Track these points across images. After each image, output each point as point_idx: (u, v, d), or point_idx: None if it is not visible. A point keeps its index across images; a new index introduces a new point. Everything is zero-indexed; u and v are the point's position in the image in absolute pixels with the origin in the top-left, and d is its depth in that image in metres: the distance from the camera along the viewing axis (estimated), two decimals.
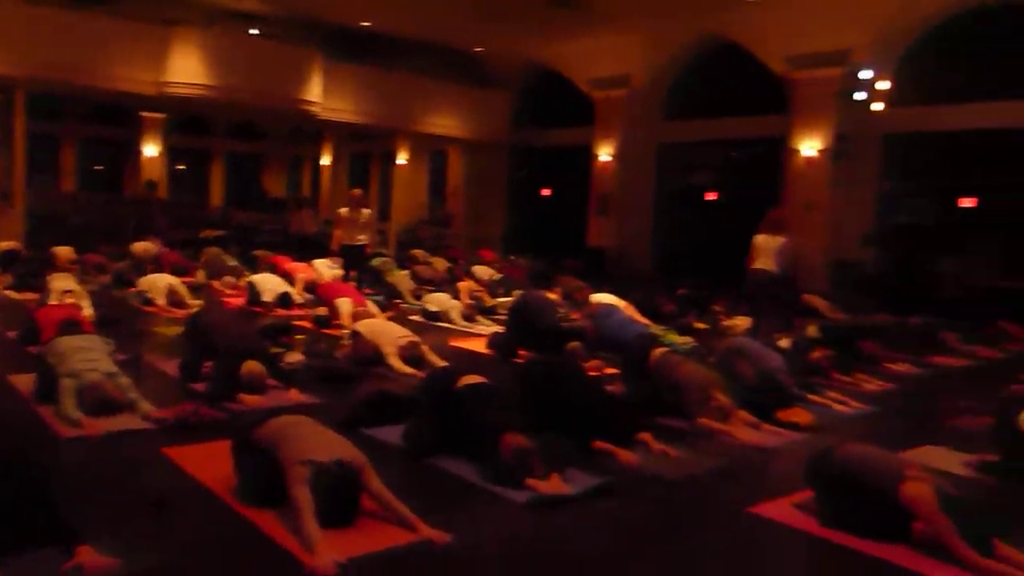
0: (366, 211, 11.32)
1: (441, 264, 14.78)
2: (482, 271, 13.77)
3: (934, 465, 4.48)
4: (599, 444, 4.67)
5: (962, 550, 3.37)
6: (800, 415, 5.69)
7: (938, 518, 3.46)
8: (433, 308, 10.12)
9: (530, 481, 4.02)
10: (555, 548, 3.54)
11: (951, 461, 4.92)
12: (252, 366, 5.58)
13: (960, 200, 13.98)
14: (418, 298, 11.25)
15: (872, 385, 7.28)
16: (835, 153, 14.28)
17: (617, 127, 18.01)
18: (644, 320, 9.27)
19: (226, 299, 10.50)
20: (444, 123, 19.97)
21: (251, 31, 18.72)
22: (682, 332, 9.12)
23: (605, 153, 18.20)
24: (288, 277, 11.03)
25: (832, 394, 6.54)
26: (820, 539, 3.75)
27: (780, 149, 14.99)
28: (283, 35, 18.59)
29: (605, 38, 17.22)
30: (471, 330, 9.51)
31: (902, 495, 3.57)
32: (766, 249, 9.65)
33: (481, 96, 20.45)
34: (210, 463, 4.13)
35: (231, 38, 16.92)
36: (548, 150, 20.40)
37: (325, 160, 24.83)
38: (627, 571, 3.37)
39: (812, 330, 8.59)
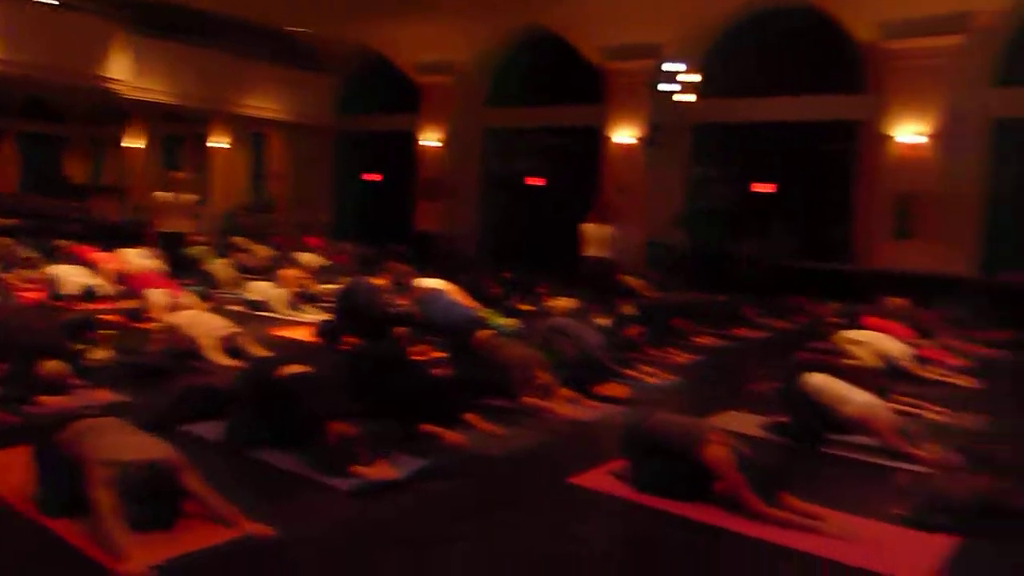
0: (188, 196, 10.74)
1: (264, 251, 14.29)
2: (308, 258, 13.45)
3: (734, 428, 4.89)
4: (426, 427, 4.74)
5: (754, 503, 3.72)
6: (616, 389, 6.03)
7: (734, 476, 3.80)
8: (255, 297, 9.80)
9: (356, 468, 4.02)
10: (382, 533, 3.57)
11: (748, 424, 5.39)
12: (52, 365, 5.21)
13: (759, 186, 15.20)
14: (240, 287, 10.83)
15: (681, 358, 7.81)
16: (648, 141, 15.06)
17: (443, 113, 18.07)
18: (471, 303, 9.42)
19: (21, 294, 9.65)
20: (265, 105, 19.22)
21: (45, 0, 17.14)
22: (507, 314, 9.36)
23: (431, 139, 18.23)
24: (93, 268, 10.28)
25: (645, 367, 6.96)
26: (634, 503, 4.01)
27: (598, 137, 15.63)
28: (85, 6, 17.13)
29: (431, 24, 17.20)
30: (296, 319, 9.29)
31: (704, 457, 3.89)
32: (596, 237, 10.15)
33: (305, 79, 19.83)
34: (5, 473, 3.83)
35: (20, 7, 15.40)
36: (375, 135, 20.15)
37: (134, 143, 23.23)
38: (452, 549, 3.46)
39: (628, 308, 9.08)
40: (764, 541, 3.56)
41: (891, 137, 12.93)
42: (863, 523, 3.75)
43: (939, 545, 3.54)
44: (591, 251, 10.04)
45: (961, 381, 7.25)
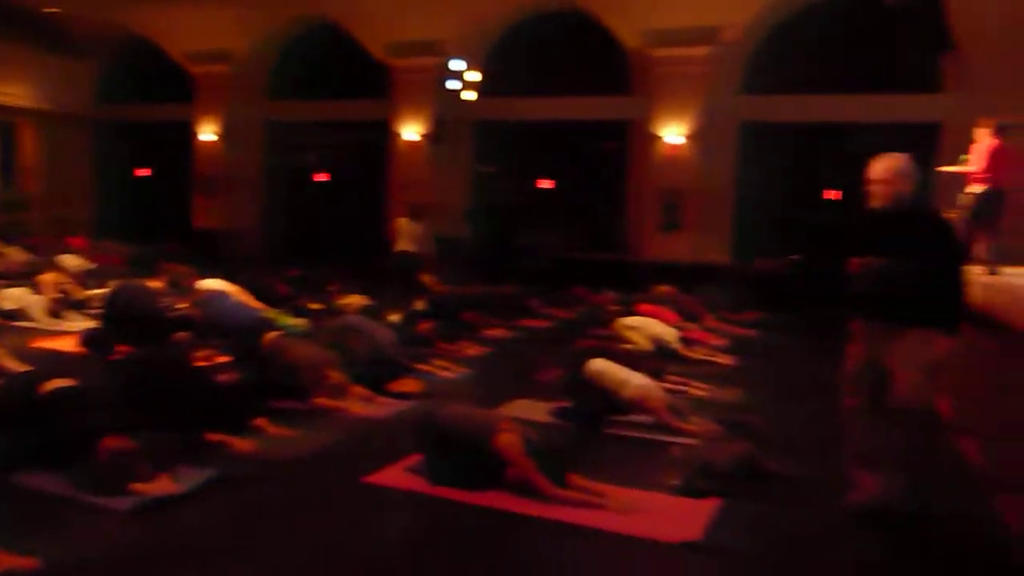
0: None
1: (18, 255, 12.87)
2: (71, 261, 12.27)
3: (523, 416, 5.10)
4: (212, 436, 4.53)
5: (544, 486, 3.92)
6: (410, 384, 6.08)
7: (524, 462, 3.97)
8: (9, 306, 8.83)
9: (134, 485, 3.77)
10: (166, 552, 3.38)
11: (537, 411, 5.64)
12: None
13: (542, 182, 15.86)
14: None
15: (473, 350, 8.01)
16: (435, 137, 15.22)
17: (220, 104, 17.16)
18: (257, 304, 9.06)
19: None
20: (13, 92, 17.29)
21: None
22: (297, 314, 9.10)
23: (208, 131, 17.26)
24: None
25: (438, 361, 7.07)
26: (430, 497, 4.08)
27: (386, 132, 15.57)
28: None
29: (204, 10, 16.22)
30: (58, 328, 8.48)
31: (496, 446, 4.03)
32: (408, 233, 10.24)
33: (60, 64, 18.04)
34: None
35: None
36: (145, 126, 18.73)
37: None
38: (245, 559, 3.35)
39: (420, 304, 9.14)
40: (555, 521, 3.76)
41: (659, 137, 13.97)
42: (642, 495, 4.07)
43: (707, 508, 3.92)
44: (401, 245, 10.23)
45: (721, 359, 8.01)
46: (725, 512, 3.90)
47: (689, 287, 11.28)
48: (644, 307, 9.14)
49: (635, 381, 5.31)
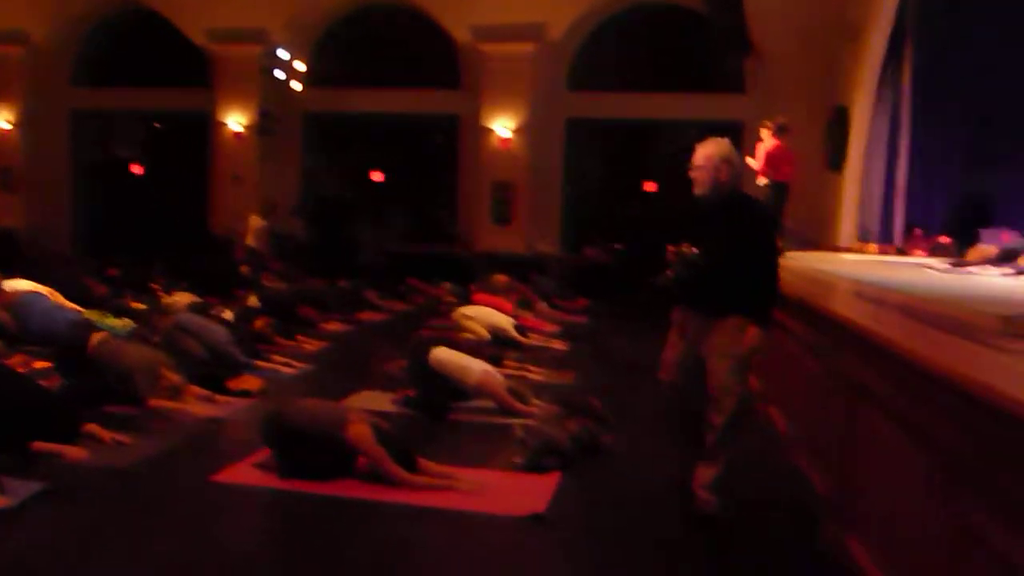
0: None
1: None
2: None
3: (369, 407, 5.18)
4: (39, 445, 4.29)
5: (395, 472, 4.04)
6: (250, 382, 5.98)
7: (376, 450, 4.08)
8: None
9: None
10: None
11: (382, 401, 5.74)
12: None
13: (375, 175, 15.80)
14: None
15: (312, 345, 7.95)
16: (260, 128, 14.77)
17: (15, 92, 15.78)
18: (73, 306, 8.49)
19: None
20: None
21: None
22: (119, 314, 8.61)
23: (1, 119, 15.82)
24: None
25: (277, 358, 6.98)
26: (282, 491, 4.09)
27: (207, 123, 14.93)
28: None
29: None
30: None
31: (346, 436, 4.11)
32: (254, 229, 10.14)
33: None
34: None
35: None
36: None
37: None
38: (82, 572, 3.22)
39: (253, 300, 8.94)
40: (407, 505, 3.90)
41: (489, 131, 14.29)
42: (489, 475, 4.28)
43: (549, 482, 4.20)
44: (249, 240, 10.17)
45: (555, 345, 8.42)
46: (566, 485, 4.19)
47: (522, 277, 11.69)
48: (481, 296, 9.41)
49: (477, 368, 5.53)
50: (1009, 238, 7.88)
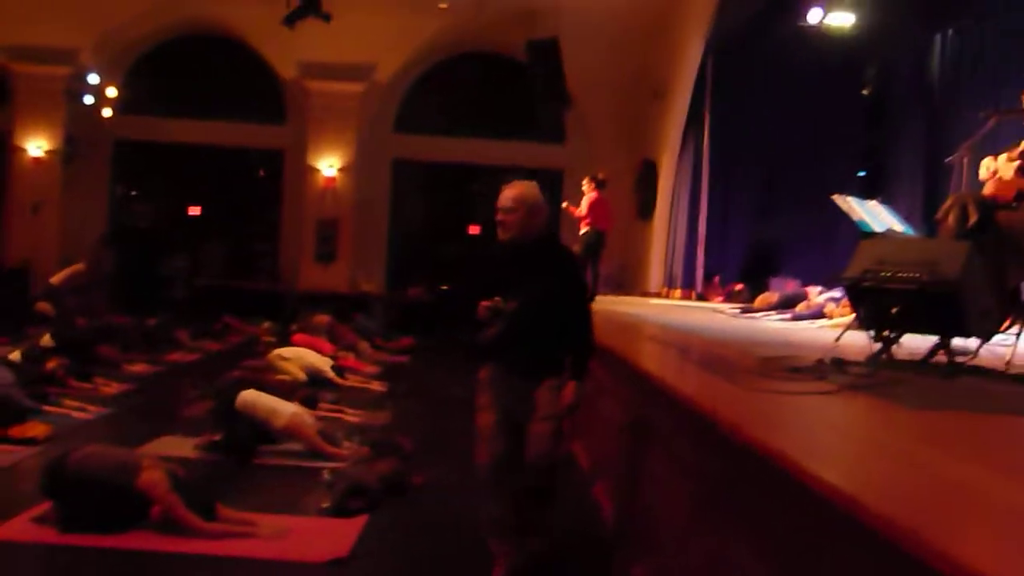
0: None
1: None
2: None
3: (169, 453, 4.94)
4: None
5: (190, 520, 3.88)
6: (36, 428, 5.54)
7: (169, 497, 3.89)
8: None
9: None
10: None
11: (184, 446, 5.48)
12: None
13: (188, 208, 15.14)
14: None
15: (111, 388, 7.46)
16: (65, 155, 13.82)
17: None
18: None
19: None
20: None
21: None
22: None
23: None
24: None
25: (70, 402, 6.50)
26: (62, 547, 3.81)
27: (2, 146, 13.78)
28: None
29: None
30: None
31: (138, 485, 3.90)
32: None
33: None
34: None
35: None
36: None
37: None
38: None
39: (46, 339, 8.28)
40: (203, 555, 3.74)
41: (314, 167, 14.12)
42: (293, 520, 4.19)
43: (355, 525, 4.17)
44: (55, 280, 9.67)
45: (375, 385, 8.38)
46: (372, 527, 4.17)
47: (344, 316, 11.55)
48: (299, 337, 9.21)
49: (286, 410, 5.42)
50: (792, 286, 8.74)
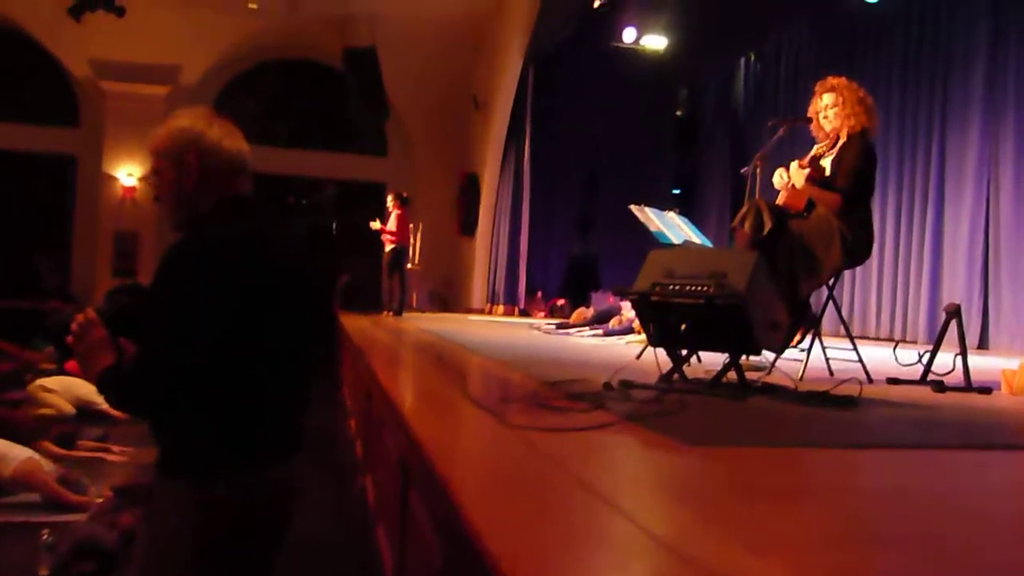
0: None
1: None
2: None
3: None
4: None
5: None
6: None
7: None
8: None
9: None
10: None
11: None
12: None
13: None
14: None
15: None
16: None
17: None
18: None
19: None
20: None
21: None
22: None
23: None
24: None
25: None
26: None
27: None
28: None
29: None
30: None
31: None
32: None
33: None
34: None
35: None
36: None
37: None
38: None
39: None
40: None
41: (111, 176, 12.85)
42: None
43: None
44: None
45: None
46: None
47: None
48: (73, 364, 8.13)
49: (15, 455, 4.56)
50: (612, 300, 8.67)
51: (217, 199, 1.92)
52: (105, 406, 7.20)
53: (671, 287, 2.94)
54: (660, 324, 3.03)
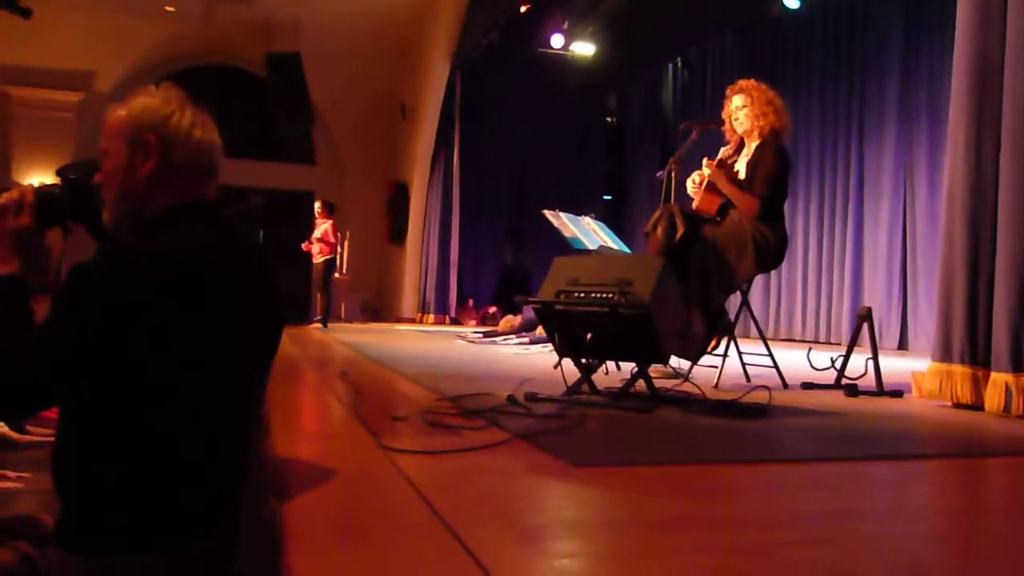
0: None
1: None
2: None
3: None
4: None
5: None
6: None
7: None
8: None
9: None
10: None
11: None
12: None
13: None
14: None
15: None
16: None
17: None
18: None
19: None
20: None
21: None
22: None
23: None
24: None
25: None
26: None
27: None
28: None
29: None
30: None
31: None
32: None
33: None
34: None
35: None
36: None
37: None
38: None
39: None
40: None
41: (20, 185, 12.26)
42: None
43: None
44: None
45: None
46: None
47: None
48: None
49: None
50: None
51: (172, 201, 1.52)
52: (4, 428, 6.80)
53: (576, 295, 2.83)
54: (565, 333, 2.92)
